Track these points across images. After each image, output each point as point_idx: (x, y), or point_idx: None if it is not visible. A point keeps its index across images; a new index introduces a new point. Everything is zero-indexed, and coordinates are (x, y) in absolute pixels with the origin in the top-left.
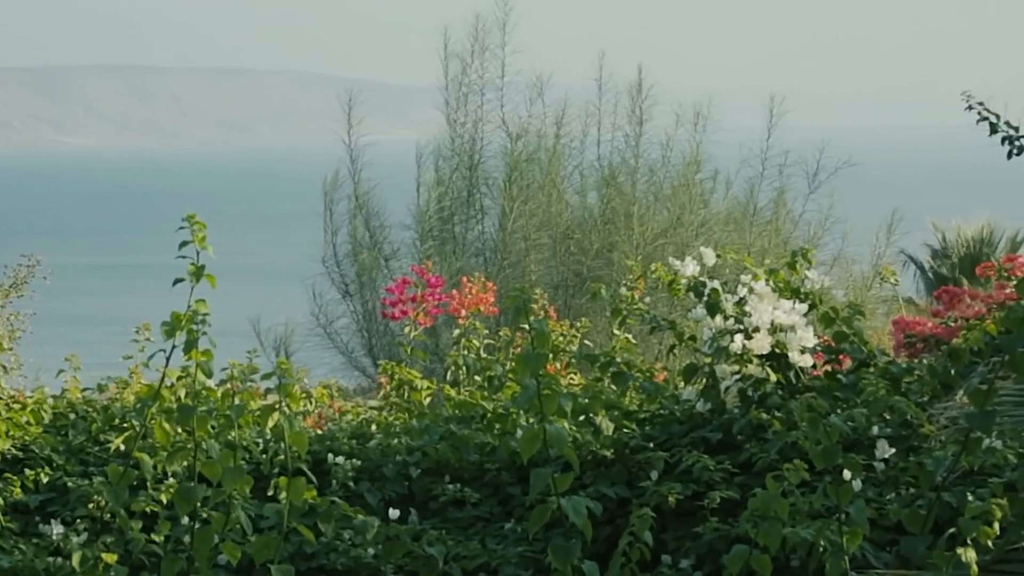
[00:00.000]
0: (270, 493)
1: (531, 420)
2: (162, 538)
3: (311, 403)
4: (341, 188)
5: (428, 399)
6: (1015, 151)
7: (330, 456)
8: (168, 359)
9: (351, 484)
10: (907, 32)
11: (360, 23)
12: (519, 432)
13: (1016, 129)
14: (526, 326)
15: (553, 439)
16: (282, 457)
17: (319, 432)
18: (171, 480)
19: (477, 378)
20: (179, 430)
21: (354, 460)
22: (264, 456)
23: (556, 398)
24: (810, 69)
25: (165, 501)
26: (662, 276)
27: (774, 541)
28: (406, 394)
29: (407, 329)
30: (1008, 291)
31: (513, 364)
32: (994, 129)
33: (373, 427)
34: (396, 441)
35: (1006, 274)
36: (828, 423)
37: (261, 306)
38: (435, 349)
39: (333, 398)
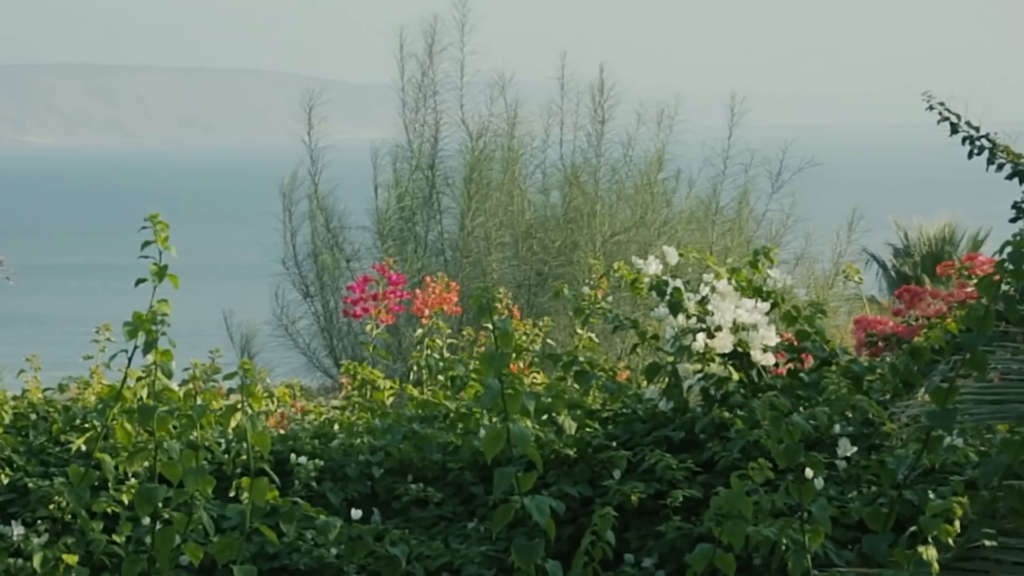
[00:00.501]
0: (232, 493)
1: (494, 420)
2: (123, 539)
3: (273, 403)
4: (301, 188)
5: (391, 399)
6: (975, 151)
7: (292, 456)
8: (130, 359)
9: (314, 484)
10: (868, 33)
11: (324, 21)
12: (482, 432)
13: (977, 130)
14: (489, 325)
15: (517, 438)
16: (244, 457)
17: (281, 432)
18: (132, 481)
19: (440, 378)
20: (140, 431)
21: (317, 460)
22: (226, 456)
23: (519, 397)
24: (773, 69)
25: (126, 502)
26: (625, 275)
27: (738, 540)
28: (369, 394)
29: (369, 327)
30: (969, 290)
31: (476, 363)
32: (955, 129)
33: (336, 427)
34: (359, 441)
35: (966, 273)
36: (790, 422)
37: (224, 306)
38: (398, 349)
39: (295, 398)
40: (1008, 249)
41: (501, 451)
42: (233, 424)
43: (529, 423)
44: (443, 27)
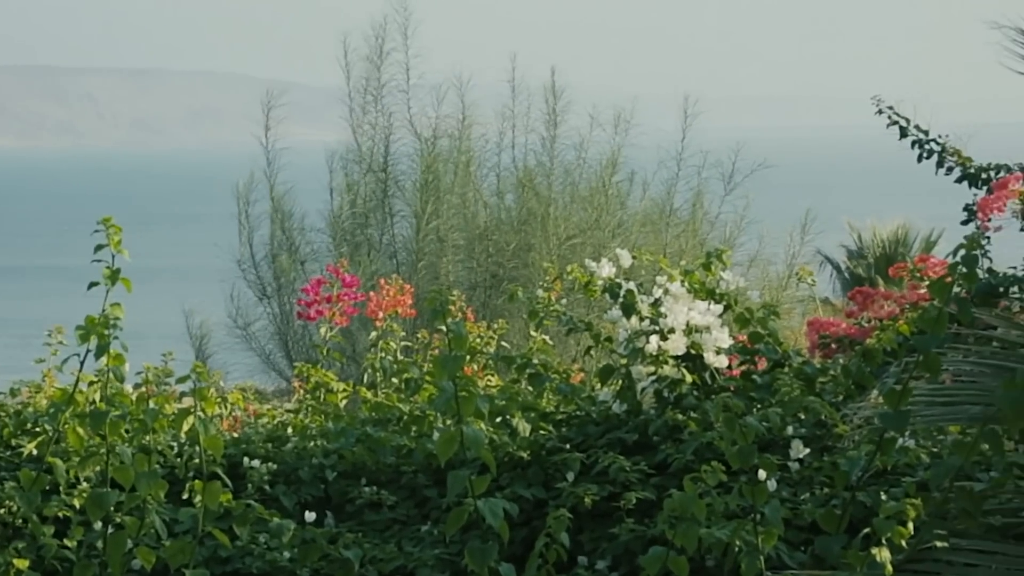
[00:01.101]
0: (185, 497)
1: (448, 422)
2: (75, 543)
3: (226, 406)
4: (257, 190)
5: (344, 401)
6: (925, 155)
7: (246, 459)
8: (82, 363)
9: (267, 487)
10: (820, 35)
11: (279, 23)
12: (436, 434)
13: (926, 133)
14: (443, 328)
15: (470, 441)
16: (197, 461)
17: (235, 435)
18: (84, 485)
19: (394, 380)
20: (92, 435)
21: (270, 463)
22: (179, 460)
23: (473, 400)
24: (728, 72)
25: (78, 506)
26: (578, 277)
27: (691, 542)
28: (322, 396)
29: (323, 330)
30: (921, 291)
31: (431, 366)
32: (904, 133)
33: (289, 430)
34: (312, 444)
35: (918, 275)
36: (744, 423)
37: (178, 308)
38: (352, 352)
39: (249, 401)
40: (961, 252)
41: (455, 454)
42: (186, 428)
43: (483, 425)
44: (387, 31)
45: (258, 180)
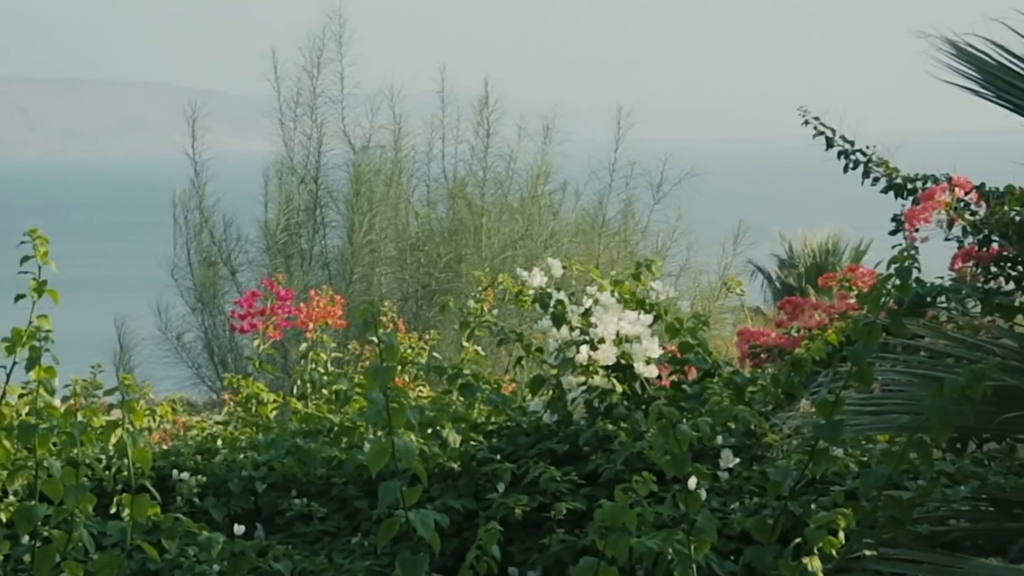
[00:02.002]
0: (112, 510)
1: (379, 433)
2: (1, 558)
3: (154, 419)
4: (187, 201)
5: (275, 413)
6: (851, 165)
7: (175, 472)
8: (8, 375)
9: (196, 500)
10: (748, 45)
11: (207, 33)
12: (367, 446)
13: (852, 143)
14: (375, 339)
15: (401, 452)
16: (125, 474)
17: (164, 448)
18: (11, 499)
19: (325, 392)
20: (20, 448)
21: (199, 476)
22: (107, 473)
23: (404, 411)
24: (662, 82)
25: (5, 520)
26: (509, 287)
27: (622, 552)
28: (253, 408)
29: (256, 343)
30: (849, 301)
31: (361, 378)
32: (830, 144)
33: (219, 442)
34: (242, 456)
35: (847, 285)
36: (678, 431)
37: (106, 319)
38: (283, 363)
39: (177, 413)
40: (894, 264)
41: (386, 465)
42: (114, 441)
43: (414, 437)
44: (320, 40)
45: (188, 191)
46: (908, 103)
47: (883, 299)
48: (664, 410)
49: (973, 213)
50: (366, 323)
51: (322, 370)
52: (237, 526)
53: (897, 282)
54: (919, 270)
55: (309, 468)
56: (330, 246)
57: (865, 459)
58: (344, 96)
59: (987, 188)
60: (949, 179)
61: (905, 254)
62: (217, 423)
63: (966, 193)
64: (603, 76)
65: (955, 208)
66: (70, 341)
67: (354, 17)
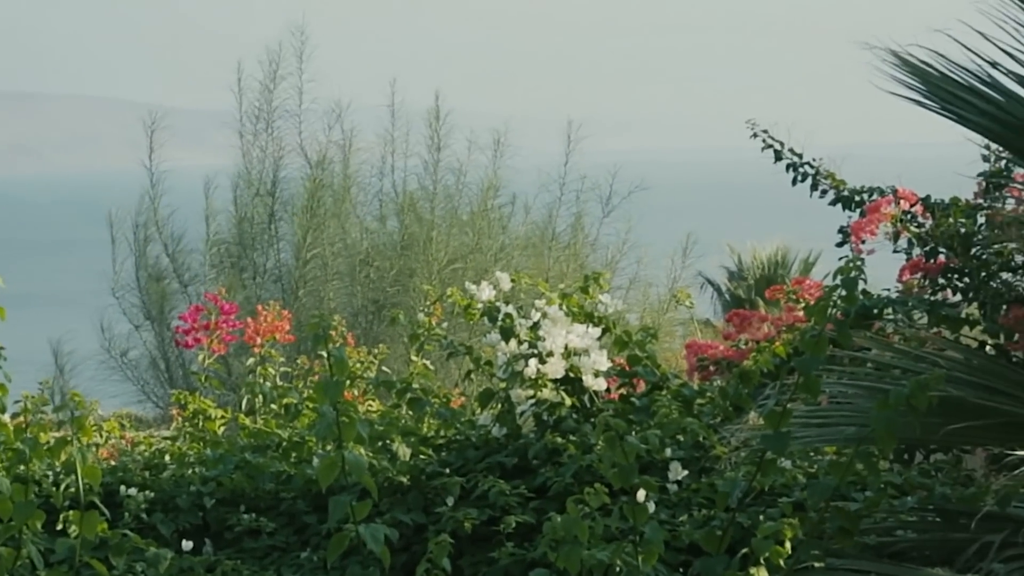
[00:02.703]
0: (60, 527)
1: (328, 447)
2: None
3: (102, 435)
4: (135, 216)
5: (223, 428)
6: (799, 178)
7: (122, 488)
8: None
9: (144, 516)
10: (699, 59)
11: (156, 48)
12: (316, 460)
13: (799, 156)
14: (324, 353)
15: (352, 466)
16: (73, 490)
17: (112, 464)
18: None
19: (273, 406)
20: None
21: (147, 491)
22: (55, 489)
23: (354, 425)
24: (612, 95)
25: None
26: (458, 301)
27: (574, 564)
28: (201, 424)
29: (201, 357)
30: (797, 313)
31: (311, 392)
32: (778, 156)
33: (167, 457)
34: (190, 471)
35: (794, 297)
36: (626, 442)
37: (53, 335)
38: (229, 378)
39: (125, 429)
40: (840, 275)
41: (335, 479)
42: (64, 457)
43: (363, 451)
44: (281, 55)
45: (137, 205)
46: (860, 115)
47: (829, 311)
48: (611, 422)
49: (920, 225)
50: (316, 337)
51: (271, 385)
52: (185, 542)
53: (843, 294)
54: (865, 282)
55: (258, 483)
56: (283, 260)
57: (813, 471)
58: (302, 110)
59: (933, 200)
60: (895, 191)
61: (851, 266)
62: (165, 439)
63: (912, 205)
64: (553, 89)
65: (901, 220)
66: (15, 358)
67: (313, 33)
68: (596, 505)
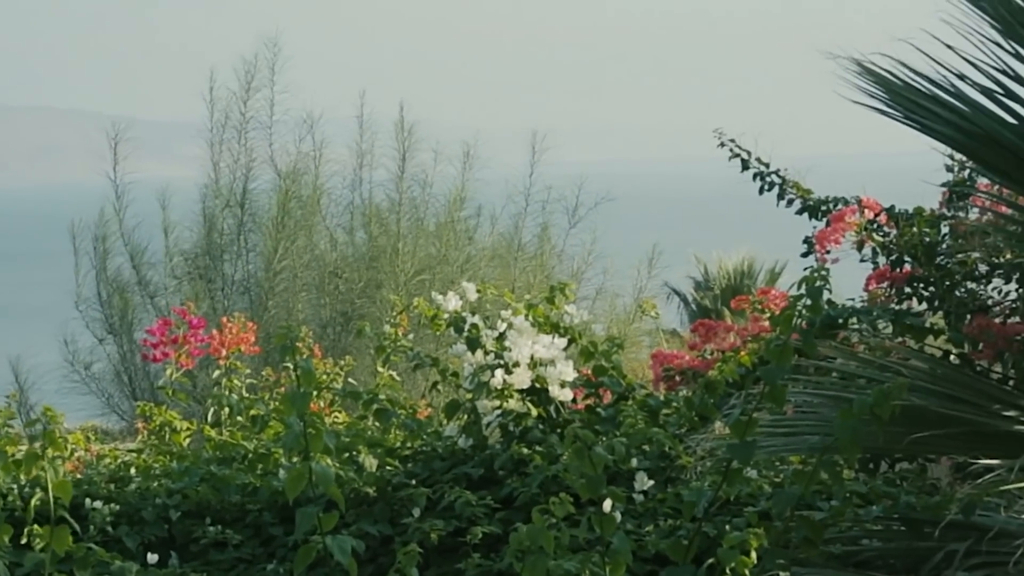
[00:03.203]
0: (25, 540)
1: (295, 459)
2: None
3: (67, 447)
4: (100, 227)
5: (188, 440)
6: (766, 187)
7: (88, 501)
8: None
9: (109, 529)
10: (660, 69)
11: (123, 59)
12: (282, 472)
13: (767, 166)
14: (291, 364)
15: (319, 478)
16: (39, 503)
17: (77, 477)
18: None
19: (240, 418)
20: None
21: (112, 504)
22: (19, 503)
23: (322, 437)
24: (577, 106)
25: None
26: (424, 311)
27: (539, 575)
28: (167, 436)
29: (168, 371)
30: (762, 323)
31: (277, 403)
32: (745, 166)
33: (132, 470)
34: (156, 484)
35: (760, 307)
36: (594, 453)
37: (16, 349)
38: (194, 389)
39: (91, 442)
40: (805, 285)
41: (302, 491)
42: (35, 472)
43: (329, 462)
44: (252, 66)
45: (103, 217)
46: (825, 125)
47: (794, 320)
48: (580, 433)
49: (885, 234)
50: (283, 348)
51: (237, 396)
52: (151, 555)
53: (808, 303)
54: (830, 291)
55: (223, 495)
56: (252, 271)
57: (778, 480)
58: (273, 122)
59: (897, 210)
60: (859, 201)
61: (815, 276)
62: (130, 451)
63: (876, 215)
64: (520, 101)
65: (865, 229)
66: None
67: (285, 45)
68: (561, 515)
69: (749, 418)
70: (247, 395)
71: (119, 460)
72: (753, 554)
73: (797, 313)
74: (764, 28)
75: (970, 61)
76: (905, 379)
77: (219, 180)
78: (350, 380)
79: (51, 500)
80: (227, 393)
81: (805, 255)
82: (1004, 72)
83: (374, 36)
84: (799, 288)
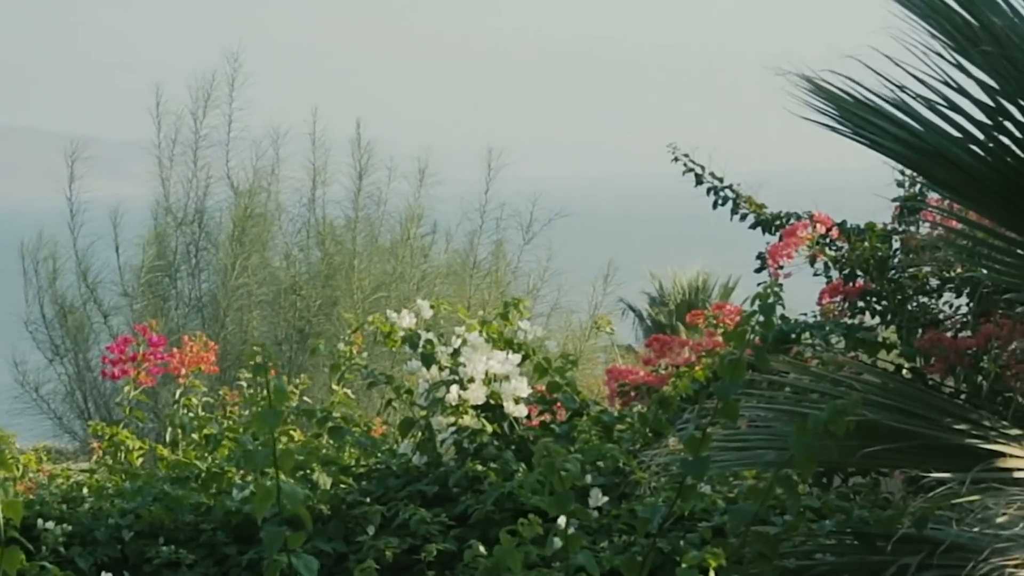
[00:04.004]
0: None
1: (249, 478)
2: None
3: (18, 468)
4: (54, 246)
5: (141, 459)
6: (719, 202)
7: (40, 521)
8: None
9: (62, 549)
10: (616, 82)
11: (75, 78)
12: (235, 491)
13: (721, 180)
14: (246, 382)
15: (288, 497)
16: None
17: (29, 497)
18: None
19: (195, 436)
20: None
21: (65, 525)
22: None
23: (292, 455)
24: (530, 122)
25: None
26: (380, 327)
27: None
28: (123, 456)
29: (127, 389)
30: (717, 338)
31: (230, 423)
32: (699, 180)
33: (85, 490)
34: (109, 504)
35: (715, 321)
36: (565, 469)
37: None
38: (152, 407)
39: (43, 462)
40: (758, 300)
41: (253, 511)
42: None
43: (284, 478)
44: (209, 83)
45: (55, 236)
46: (776, 142)
47: (748, 336)
48: (550, 447)
49: (837, 249)
50: (256, 367)
51: (192, 415)
52: (104, 574)
53: (761, 319)
54: (783, 307)
55: (177, 515)
56: (204, 289)
57: (732, 495)
58: (230, 139)
59: (849, 226)
60: (811, 216)
61: (768, 292)
62: (83, 471)
63: (828, 229)
64: (474, 117)
65: (817, 244)
66: None
67: (243, 62)
68: (530, 536)
69: (703, 434)
70: (203, 413)
71: (71, 480)
72: (712, 573)
73: (750, 328)
74: (716, 46)
75: (917, 76)
76: (859, 394)
77: (169, 198)
78: (305, 398)
79: (1, 520)
80: (183, 411)
81: (759, 271)
82: (947, 84)
83: (324, 52)
84: (752, 304)
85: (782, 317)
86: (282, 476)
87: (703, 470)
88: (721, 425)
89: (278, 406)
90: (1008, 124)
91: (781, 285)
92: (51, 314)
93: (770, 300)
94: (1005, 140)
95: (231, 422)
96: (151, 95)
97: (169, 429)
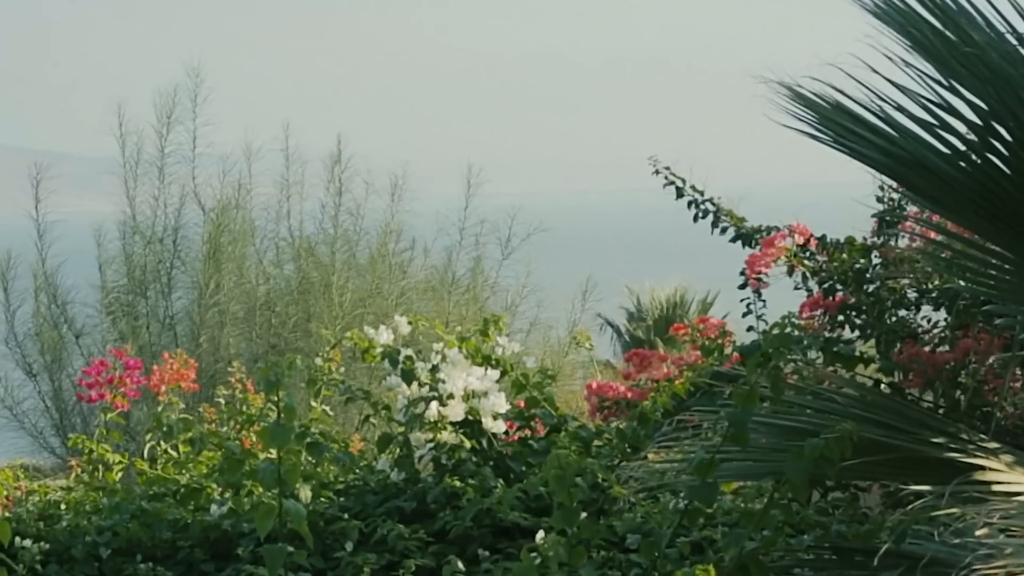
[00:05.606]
0: None
1: (227, 495)
2: None
3: None
4: (24, 264)
5: (119, 474)
6: (700, 215)
7: (17, 539)
8: None
9: (39, 567)
10: (593, 98)
11: (45, 94)
12: (213, 507)
13: (701, 193)
14: (220, 400)
15: (291, 514)
16: None
17: (6, 515)
18: None
19: (178, 439)
20: None
21: (41, 543)
22: None
23: (298, 472)
24: (508, 137)
25: None
26: (358, 343)
27: None
28: (100, 472)
29: (104, 413)
30: (698, 352)
31: (210, 437)
32: (680, 193)
33: (62, 507)
34: (86, 521)
35: (699, 335)
36: (575, 483)
37: None
38: (128, 427)
39: (20, 479)
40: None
41: (232, 527)
42: None
43: (260, 493)
44: (171, 98)
45: (25, 253)
46: (756, 156)
47: (726, 351)
48: (563, 460)
49: (816, 261)
50: (269, 383)
51: (177, 418)
52: None
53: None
54: (765, 321)
55: (154, 531)
56: (177, 307)
57: (710, 511)
58: (195, 155)
59: (828, 239)
60: (790, 228)
61: (782, 322)
62: (61, 488)
63: (806, 240)
64: (452, 133)
65: (795, 255)
66: None
67: (208, 76)
68: (552, 554)
69: (711, 458)
70: (184, 424)
71: (48, 497)
72: None
73: (760, 357)
74: (695, 58)
75: (896, 85)
76: (855, 425)
77: (136, 215)
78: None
79: None
80: (168, 415)
81: (743, 287)
82: (929, 100)
83: (298, 67)
84: (761, 337)
85: (763, 332)
86: (257, 489)
87: (712, 496)
88: (700, 438)
89: (288, 423)
90: (989, 138)
91: (760, 292)
92: (24, 333)
93: (779, 349)
94: (987, 153)
95: (213, 436)
96: (114, 113)
97: (148, 444)
